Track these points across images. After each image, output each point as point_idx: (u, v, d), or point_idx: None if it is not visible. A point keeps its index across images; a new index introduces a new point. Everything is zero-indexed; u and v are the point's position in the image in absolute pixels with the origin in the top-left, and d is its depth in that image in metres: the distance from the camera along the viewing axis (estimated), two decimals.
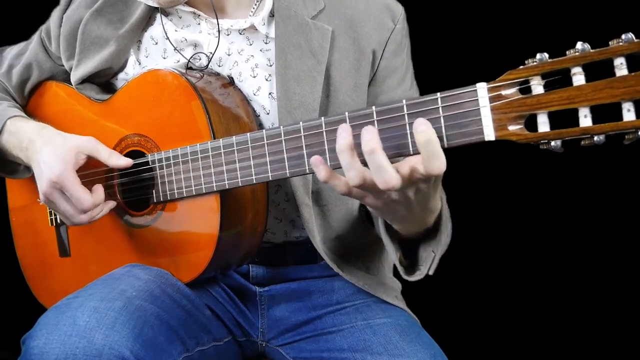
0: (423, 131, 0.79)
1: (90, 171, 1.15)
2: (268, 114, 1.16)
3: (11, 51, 1.37)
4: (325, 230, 1.17)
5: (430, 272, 1.00)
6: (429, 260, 1.00)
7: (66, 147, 1.11)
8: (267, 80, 1.16)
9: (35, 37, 1.34)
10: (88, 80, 1.24)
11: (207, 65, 1.17)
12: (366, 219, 1.20)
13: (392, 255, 1.01)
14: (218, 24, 1.16)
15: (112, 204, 1.15)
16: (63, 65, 1.29)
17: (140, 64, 1.23)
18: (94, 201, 1.10)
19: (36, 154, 1.13)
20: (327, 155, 0.90)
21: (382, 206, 0.88)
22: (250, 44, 1.18)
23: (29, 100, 1.34)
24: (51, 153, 1.11)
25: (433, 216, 0.95)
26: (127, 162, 1.11)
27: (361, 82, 1.16)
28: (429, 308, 1.51)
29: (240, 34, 1.18)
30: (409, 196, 0.85)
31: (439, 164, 0.79)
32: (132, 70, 1.23)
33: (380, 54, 1.17)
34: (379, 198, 0.86)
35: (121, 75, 1.24)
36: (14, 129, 1.19)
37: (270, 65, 1.16)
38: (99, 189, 1.12)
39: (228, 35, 1.19)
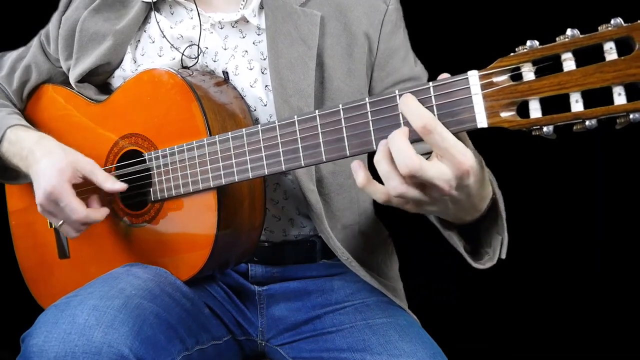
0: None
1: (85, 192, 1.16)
2: (265, 105, 1.16)
3: (11, 56, 1.38)
4: (329, 220, 1.17)
5: (502, 256, 0.95)
6: (497, 244, 0.94)
7: (65, 160, 1.12)
8: (263, 73, 1.17)
9: (34, 41, 1.36)
10: (86, 80, 1.25)
11: (198, 58, 1.18)
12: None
13: (458, 246, 0.96)
14: (198, 13, 1.18)
15: (105, 211, 1.14)
16: (61, 67, 1.30)
17: (135, 62, 1.24)
18: (87, 214, 1.11)
19: (35, 164, 1.14)
20: (322, 149, 0.91)
21: (425, 211, 0.84)
22: (243, 37, 1.19)
23: (27, 103, 1.35)
24: (49, 164, 1.11)
25: (484, 202, 0.89)
26: (122, 186, 1.12)
27: (355, 68, 1.16)
28: (429, 307, 1.50)
29: (233, 27, 1.19)
30: (453, 194, 0.80)
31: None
32: (129, 67, 1.24)
33: (377, 37, 1.17)
34: (420, 205, 0.82)
35: (118, 72, 1.25)
36: (14, 138, 1.20)
37: (264, 59, 1.17)
38: (103, 209, 1.14)
39: (222, 28, 1.20)
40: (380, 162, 0.80)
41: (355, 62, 1.16)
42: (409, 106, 0.79)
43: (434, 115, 0.81)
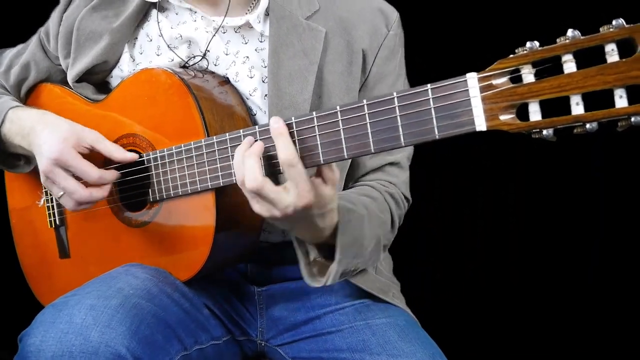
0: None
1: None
2: (265, 113, 1.16)
3: (10, 52, 1.37)
4: None
5: (327, 283, 1.02)
6: (329, 274, 1.01)
7: (70, 129, 1.12)
8: (263, 82, 1.16)
9: (34, 38, 1.35)
10: (84, 79, 1.25)
11: (201, 60, 1.17)
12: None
13: (299, 257, 1.05)
14: (219, 25, 1.16)
15: (115, 173, 1.12)
16: (60, 65, 1.30)
17: (134, 60, 1.23)
18: (100, 174, 1.10)
19: (37, 137, 1.13)
20: (320, 151, 0.90)
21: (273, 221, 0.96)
22: (246, 43, 1.18)
23: (25, 101, 1.34)
24: (53, 134, 1.11)
25: (327, 231, 0.98)
26: (133, 156, 1.11)
27: (352, 87, 1.16)
28: (428, 306, 1.50)
29: (236, 32, 1.18)
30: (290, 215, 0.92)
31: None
32: (126, 66, 1.23)
33: (372, 59, 1.17)
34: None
35: (116, 72, 1.24)
36: (16, 118, 1.20)
37: (265, 67, 1.16)
38: (112, 171, 1.12)
39: (224, 33, 1.19)
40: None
41: (354, 80, 1.16)
42: (281, 139, 0.90)
43: (432, 116, 0.81)
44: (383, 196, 1.16)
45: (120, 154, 1.11)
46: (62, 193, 1.11)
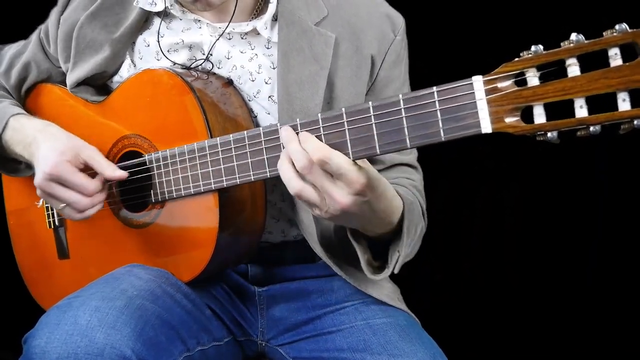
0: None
1: (87, 173, 1.15)
2: (269, 114, 1.16)
3: (10, 50, 1.36)
4: (318, 229, 1.16)
5: (395, 271, 1.04)
6: (395, 258, 1.03)
7: (69, 144, 1.12)
8: (266, 83, 1.16)
9: (34, 37, 1.34)
10: (83, 82, 1.24)
11: (203, 62, 1.17)
12: None
13: (360, 257, 1.04)
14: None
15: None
16: (61, 67, 1.29)
17: (135, 66, 1.22)
18: (96, 186, 1.10)
19: (38, 149, 1.13)
20: None
21: (335, 220, 0.94)
22: (252, 49, 1.18)
23: (25, 101, 1.33)
24: (51, 147, 1.11)
25: (394, 216, 0.99)
26: (122, 174, 1.12)
27: (361, 91, 1.17)
28: (428, 307, 1.51)
29: (242, 38, 1.18)
30: (353, 210, 0.90)
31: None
32: (126, 73, 1.22)
33: (379, 63, 1.18)
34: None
35: (116, 79, 1.24)
36: (18, 126, 1.19)
37: (273, 68, 1.16)
38: (98, 177, 1.12)
39: (230, 39, 1.18)
40: (281, 166, 0.90)
41: (362, 84, 1.17)
42: (307, 143, 0.87)
43: (438, 119, 0.82)
44: (410, 190, 1.18)
45: (111, 172, 1.11)
46: (63, 205, 1.11)
